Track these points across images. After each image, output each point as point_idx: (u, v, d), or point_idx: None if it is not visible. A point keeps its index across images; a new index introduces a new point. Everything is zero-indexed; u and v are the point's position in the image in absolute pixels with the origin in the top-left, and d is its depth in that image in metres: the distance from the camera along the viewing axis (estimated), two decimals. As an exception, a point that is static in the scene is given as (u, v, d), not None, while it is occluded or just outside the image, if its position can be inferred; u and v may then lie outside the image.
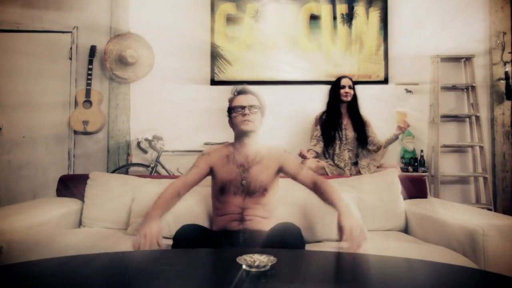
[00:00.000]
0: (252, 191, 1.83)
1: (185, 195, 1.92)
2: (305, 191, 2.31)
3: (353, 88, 3.00)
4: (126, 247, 1.78)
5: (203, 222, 2.06)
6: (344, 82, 2.97)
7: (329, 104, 3.03)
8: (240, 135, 1.88)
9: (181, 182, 1.83)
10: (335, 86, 3.00)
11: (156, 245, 1.57)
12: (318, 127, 3.01)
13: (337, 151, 2.94)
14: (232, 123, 1.91)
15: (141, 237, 1.57)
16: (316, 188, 1.83)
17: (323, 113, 3.05)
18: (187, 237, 1.61)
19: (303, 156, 2.81)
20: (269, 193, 1.88)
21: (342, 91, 2.94)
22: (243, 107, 1.85)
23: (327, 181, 1.84)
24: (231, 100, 1.95)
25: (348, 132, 2.96)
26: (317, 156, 2.97)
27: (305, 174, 1.87)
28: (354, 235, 1.57)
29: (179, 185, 1.82)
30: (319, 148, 2.97)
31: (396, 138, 3.01)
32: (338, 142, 2.94)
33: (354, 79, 3.47)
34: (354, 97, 3.01)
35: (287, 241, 1.57)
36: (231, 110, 1.90)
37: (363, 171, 2.89)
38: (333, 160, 2.96)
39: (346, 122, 3.00)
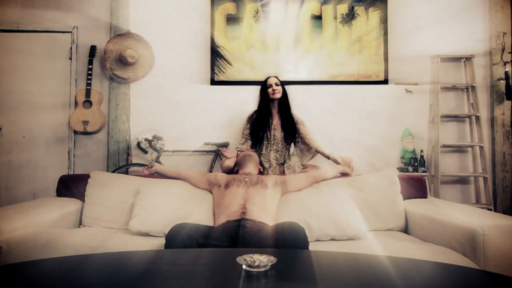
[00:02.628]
0: (254, 183, 2.14)
1: (185, 198, 2.21)
2: (304, 190, 2.34)
3: (281, 86, 2.99)
4: (126, 247, 1.78)
5: (207, 221, 2.06)
6: (270, 81, 2.98)
7: (260, 104, 3.02)
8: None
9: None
10: (264, 86, 3.01)
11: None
12: (248, 125, 3.02)
13: (263, 151, 2.95)
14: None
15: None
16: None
17: (255, 112, 3.05)
18: (179, 236, 1.61)
19: (224, 156, 2.91)
20: (269, 190, 2.13)
21: (269, 90, 2.95)
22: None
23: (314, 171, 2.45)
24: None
25: (277, 132, 2.96)
26: None
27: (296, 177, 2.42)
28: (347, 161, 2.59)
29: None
30: (246, 147, 2.98)
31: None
32: (265, 142, 2.95)
33: (354, 79, 3.50)
34: (285, 96, 3.01)
35: (292, 240, 1.57)
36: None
37: (287, 171, 2.90)
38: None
39: (276, 122, 2.99)
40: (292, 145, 3.03)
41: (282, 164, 2.96)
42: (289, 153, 3.01)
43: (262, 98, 3.01)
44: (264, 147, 2.95)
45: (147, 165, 2.60)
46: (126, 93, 3.54)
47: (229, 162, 2.82)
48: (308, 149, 2.98)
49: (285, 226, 1.70)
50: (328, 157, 2.82)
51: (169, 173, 2.51)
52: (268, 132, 2.95)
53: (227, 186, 2.16)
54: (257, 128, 2.96)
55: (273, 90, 2.94)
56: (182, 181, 2.40)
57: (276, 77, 3.03)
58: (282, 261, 1.24)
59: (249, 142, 2.97)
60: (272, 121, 2.98)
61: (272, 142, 2.95)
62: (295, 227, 1.67)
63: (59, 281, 1.15)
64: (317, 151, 2.93)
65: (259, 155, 2.94)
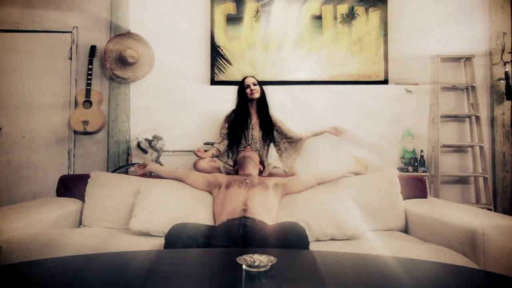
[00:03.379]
0: (255, 184, 2.13)
1: (185, 198, 2.21)
2: (304, 190, 2.34)
3: (259, 86, 2.99)
4: (126, 247, 1.78)
5: (207, 221, 2.06)
6: (248, 81, 2.98)
7: (238, 104, 3.03)
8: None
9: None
10: (241, 86, 3.01)
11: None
12: (226, 125, 3.02)
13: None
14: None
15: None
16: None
17: (232, 112, 3.06)
18: (179, 236, 1.61)
19: (197, 155, 2.88)
20: (270, 191, 2.13)
21: (247, 90, 2.95)
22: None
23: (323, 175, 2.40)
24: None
25: (255, 132, 2.97)
26: (220, 155, 2.98)
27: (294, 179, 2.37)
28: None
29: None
30: (222, 146, 2.99)
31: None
32: (243, 141, 2.95)
33: (354, 79, 3.50)
34: (263, 95, 3.01)
35: (292, 240, 1.58)
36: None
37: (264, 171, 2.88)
38: (236, 160, 2.95)
39: (254, 121, 3.00)
40: (273, 147, 3.03)
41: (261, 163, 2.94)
42: (268, 153, 3.01)
43: (240, 98, 3.01)
44: (241, 147, 2.94)
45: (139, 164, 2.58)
46: (126, 93, 3.54)
47: (204, 163, 2.82)
48: (294, 145, 3.00)
49: (286, 225, 1.70)
50: (320, 133, 2.98)
51: (163, 173, 2.49)
52: (246, 132, 2.96)
53: (227, 186, 2.15)
54: (235, 127, 2.96)
55: (251, 90, 2.94)
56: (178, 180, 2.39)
57: (254, 77, 3.04)
58: (282, 261, 1.24)
59: (226, 142, 2.98)
60: (251, 121, 2.99)
61: (250, 142, 2.95)
62: (296, 227, 1.67)
63: (59, 281, 1.15)
64: (306, 138, 3.01)
65: (237, 154, 2.95)
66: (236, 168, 2.45)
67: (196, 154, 2.91)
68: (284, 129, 3.01)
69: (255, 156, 2.42)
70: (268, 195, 2.10)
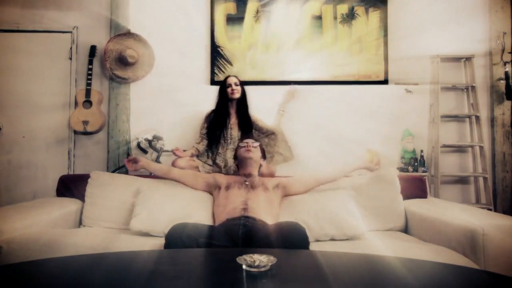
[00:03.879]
0: (255, 186, 2.09)
1: (185, 198, 2.20)
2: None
3: (241, 86, 3.01)
4: (126, 247, 1.78)
5: (206, 221, 2.06)
6: (230, 80, 3.00)
7: (218, 103, 3.03)
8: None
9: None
10: (223, 85, 3.02)
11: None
12: (206, 125, 3.03)
13: (220, 150, 2.95)
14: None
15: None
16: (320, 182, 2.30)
17: (212, 111, 3.06)
18: (179, 236, 1.61)
19: (175, 154, 2.88)
20: (270, 192, 2.10)
21: (228, 89, 2.96)
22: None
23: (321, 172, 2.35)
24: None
25: (234, 131, 2.97)
26: (199, 154, 2.99)
27: (306, 183, 2.30)
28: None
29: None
30: (201, 146, 2.99)
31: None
32: (222, 141, 2.96)
33: (354, 79, 3.50)
34: (244, 96, 3.02)
35: (292, 240, 1.57)
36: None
37: None
38: (215, 159, 2.96)
39: (233, 121, 3.00)
40: None
41: None
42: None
43: (220, 97, 3.02)
44: (220, 146, 2.95)
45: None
46: (126, 93, 3.54)
47: (182, 162, 2.81)
48: (274, 137, 3.04)
49: (286, 225, 1.70)
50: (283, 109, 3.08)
51: (158, 171, 2.40)
52: (225, 131, 2.96)
53: (227, 188, 2.13)
54: (214, 127, 2.97)
55: (232, 90, 2.95)
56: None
57: (236, 77, 3.05)
58: (282, 261, 1.24)
59: (205, 142, 2.99)
60: (230, 121, 2.99)
61: (229, 141, 2.95)
62: (296, 227, 1.67)
63: (59, 281, 1.15)
64: (278, 129, 3.07)
65: (216, 154, 2.95)
66: (236, 163, 2.40)
67: (174, 153, 2.90)
68: (261, 125, 3.04)
69: (256, 155, 2.29)
70: (269, 196, 2.09)
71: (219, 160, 2.94)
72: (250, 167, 2.26)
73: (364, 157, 2.39)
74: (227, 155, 2.92)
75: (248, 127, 2.98)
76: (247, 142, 2.32)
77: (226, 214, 1.92)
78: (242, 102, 3.02)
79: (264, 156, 2.41)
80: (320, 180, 2.30)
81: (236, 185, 2.12)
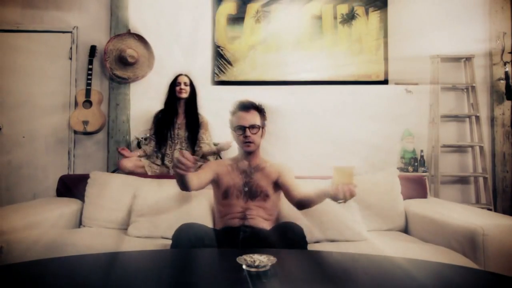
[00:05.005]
0: (254, 195, 1.88)
1: (188, 197, 2.10)
2: (305, 190, 2.32)
3: (191, 86, 3.00)
4: (126, 247, 1.78)
5: (206, 223, 2.06)
6: (180, 79, 2.98)
7: (166, 102, 3.02)
8: (243, 152, 1.95)
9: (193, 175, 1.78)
10: (173, 83, 3.01)
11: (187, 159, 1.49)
12: (153, 125, 3.03)
13: (167, 150, 2.94)
14: (234, 136, 1.94)
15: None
16: (302, 202, 1.81)
17: (160, 111, 3.05)
18: (187, 236, 1.61)
19: (121, 154, 2.86)
20: (270, 199, 1.92)
21: (177, 88, 2.95)
22: (243, 128, 1.86)
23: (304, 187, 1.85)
24: (232, 114, 1.93)
25: (181, 131, 2.96)
26: (147, 155, 2.98)
27: (299, 192, 1.84)
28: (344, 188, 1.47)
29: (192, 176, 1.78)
30: (149, 148, 2.99)
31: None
32: (169, 141, 2.95)
33: (354, 79, 3.50)
34: (193, 96, 3.00)
35: (290, 240, 1.57)
36: (233, 125, 1.92)
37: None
38: (163, 159, 2.95)
39: (180, 121, 2.99)
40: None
41: None
42: (195, 153, 2.97)
43: (169, 95, 3.01)
44: (168, 146, 2.94)
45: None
46: (126, 93, 3.54)
47: (128, 162, 2.81)
48: (198, 154, 2.94)
49: (284, 226, 1.70)
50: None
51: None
52: (172, 131, 2.95)
53: (225, 194, 1.89)
54: (161, 126, 2.95)
55: (180, 89, 2.94)
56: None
57: (187, 76, 3.03)
58: (282, 261, 1.24)
59: (153, 143, 2.98)
60: (177, 120, 2.98)
61: (176, 141, 2.94)
62: (294, 226, 1.67)
63: (59, 281, 1.15)
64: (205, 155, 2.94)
65: (164, 154, 2.94)
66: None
67: (120, 153, 2.88)
68: (200, 133, 2.95)
69: (257, 141, 1.92)
70: (269, 203, 1.91)
71: (167, 161, 2.94)
72: (255, 158, 1.95)
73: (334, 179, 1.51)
74: (175, 155, 2.91)
75: (195, 128, 2.95)
76: (246, 136, 1.86)
77: (224, 223, 1.89)
78: (191, 102, 2.99)
79: (263, 120, 1.94)
80: (300, 199, 1.84)
81: (235, 193, 1.88)
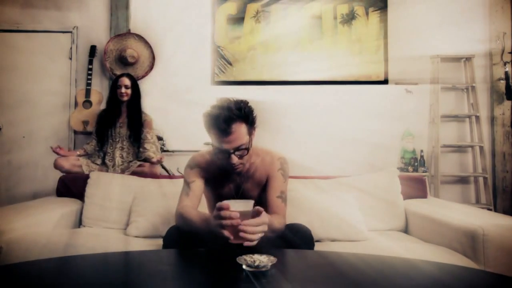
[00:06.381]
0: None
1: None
2: (304, 190, 2.32)
3: (132, 88, 2.94)
4: (127, 247, 1.78)
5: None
6: (121, 81, 2.91)
7: (108, 101, 3.00)
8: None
9: (189, 202, 1.59)
10: (113, 84, 2.97)
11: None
12: (95, 124, 3.01)
13: (108, 149, 2.93)
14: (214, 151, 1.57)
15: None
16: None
17: (103, 110, 3.04)
18: (178, 236, 1.59)
19: (56, 153, 2.82)
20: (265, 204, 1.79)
21: (118, 90, 2.91)
22: (228, 152, 1.49)
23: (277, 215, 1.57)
24: (207, 130, 1.53)
25: (122, 130, 2.93)
26: (88, 153, 2.97)
27: (276, 202, 1.61)
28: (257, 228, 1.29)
29: (190, 205, 1.59)
30: (90, 147, 2.97)
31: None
32: (110, 140, 2.93)
33: (354, 79, 3.50)
34: (136, 97, 2.96)
35: (298, 241, 1.56)
36: (211, 141, 1.55)
37: (129, 170, 2.83)
38: (104, 159, 2.94)
39: (122, 120, 2.96)
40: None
41: (130, 162, 2.91)
42: (137, 151, 2.93)
43: (111, 95, 2.98)
44: (109, 145, 2.93)
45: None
46: (126, 93, 3.54)
47: (64, 162, 2.78)
48: (140, 158, 2.88)
49: (292, 228, 1.66)
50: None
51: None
52: (113, 130, 2.92)
53: (216, 201, 1.43)
54: (103, 125, 2.93)
55: (121, 93, 2.89)
56: (178, 180, 2.34)
57: (129, 77, 2.95)
58: (282, 261, 1.24)
59: (94, 142, 2.97)
60: (119, 119, 2.96)
61: (117, 140, 2.92)
62: (302, 228, 1.64)
63: (59, 281, 1.15)
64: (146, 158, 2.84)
65: (105, 153, 2.92)
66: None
67: (55, 152, 2.82)
68: (144, 132, 2.89)
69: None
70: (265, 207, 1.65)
71: (107, 159, 2.93)
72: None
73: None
74: (116, 154, 2.90)
75: (137, 127, 2.91)
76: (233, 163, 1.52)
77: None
78: (134, 102, 2.95)
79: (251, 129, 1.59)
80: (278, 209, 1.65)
81: (228, 198, 1.56)
